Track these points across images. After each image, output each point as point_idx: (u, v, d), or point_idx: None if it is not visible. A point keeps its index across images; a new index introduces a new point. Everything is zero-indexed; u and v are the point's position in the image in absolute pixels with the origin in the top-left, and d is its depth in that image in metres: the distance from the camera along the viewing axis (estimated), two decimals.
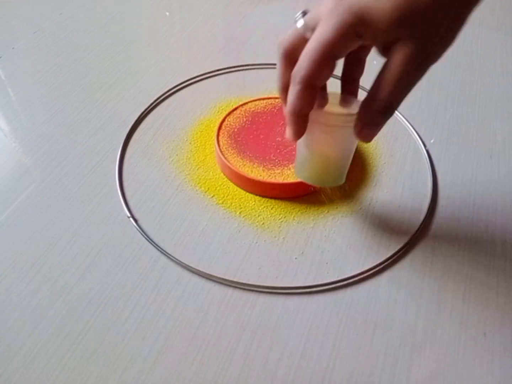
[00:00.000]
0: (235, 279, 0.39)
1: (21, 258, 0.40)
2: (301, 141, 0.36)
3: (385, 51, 0.31)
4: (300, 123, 0.34)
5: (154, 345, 0.35)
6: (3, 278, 0.39)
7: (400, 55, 0.30)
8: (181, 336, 0.36)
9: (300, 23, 0.32)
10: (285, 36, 0.33)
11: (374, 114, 0.32)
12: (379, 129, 0.34)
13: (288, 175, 0.45)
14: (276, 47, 0.34)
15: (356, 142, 0.38)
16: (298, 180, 0.44)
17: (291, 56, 0.33)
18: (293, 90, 0.32)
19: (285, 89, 0.34)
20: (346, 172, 0.40)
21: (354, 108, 0.34)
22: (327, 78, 0.33)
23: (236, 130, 0.49)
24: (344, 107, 0.37)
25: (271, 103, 0.52)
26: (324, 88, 0.36)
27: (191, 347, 0.35)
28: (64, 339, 0.36)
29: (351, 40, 0.30)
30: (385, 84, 0.31)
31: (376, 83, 0.31)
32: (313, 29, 0.31)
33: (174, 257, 0.41)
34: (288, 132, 0.35)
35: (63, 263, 0.40)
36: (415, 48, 0.29)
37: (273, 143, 0.47)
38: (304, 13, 0.33)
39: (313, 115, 0.34)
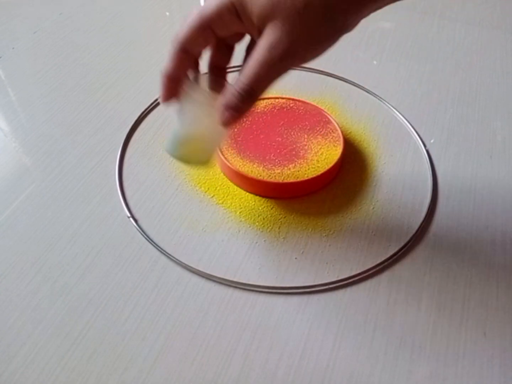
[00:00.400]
0: (235, 279, 0.39)
1: (21, 258, 0.40)
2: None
3: (258, 35, 0.31)
4: (168, 86, 0.34)
5: (154, 345, 0.35)
6: (3, 278, 0.39)
7: (265, 40, 0.30)
8: (181, 336, 0.36)
9: (202, 2, 0.34)
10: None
11: (235, 97, 0.32)
12: (240, 115, 0.33)
13: (288, 175, 0.45)
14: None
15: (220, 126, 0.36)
16: (298, 180, 0.44)
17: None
18: (170, 51, 0.33)
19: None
20: (210, 154, 0.39)
21: None
22: (201, 47, 0.34)
23: (236, 130, 0.49)
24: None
25: (271, 103, 0.52)
26: (221, 73, 0.37)
27: (191, 347, 0.35)
28: (64, 339, 0.36)
29: (228, 16, 0.31)
30: (248, 68, 0.31)
31: (243, 67, 0.32)
32: None
33: (174, 257, 0.41)
34: (159, 95, 0.35)
35: (63, 263, 0.40)
36: (281, 36, 0.29)
37: (273, 143, 0.47)
38: None
39: (185, 86, 0.34)
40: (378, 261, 0.41)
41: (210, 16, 0.31)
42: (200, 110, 0.36)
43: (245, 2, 0.30)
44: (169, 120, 0.53)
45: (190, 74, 0.35)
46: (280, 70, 0.31)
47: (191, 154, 0.38)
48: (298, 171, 0.45)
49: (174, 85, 0.34)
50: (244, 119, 0.50)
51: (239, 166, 0.45)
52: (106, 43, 0.64)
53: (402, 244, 0.42)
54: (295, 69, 0.60)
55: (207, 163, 0.39)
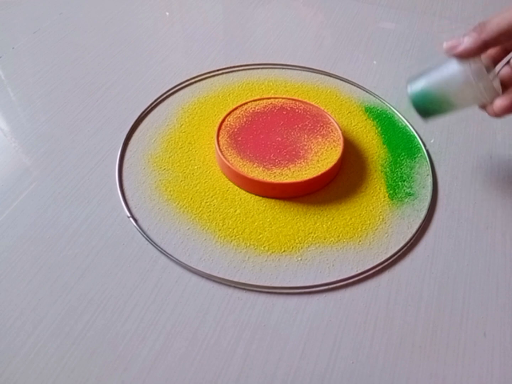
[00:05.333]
0: (235, 279, 0.39)
1: (21, 258, 0.40)
2: (442, 78, 0.40)
3: None
4: (475, 50, 0.37)
5: (154, 345, 0.35)
6: (3, 278, 0.39)
7: None
8: (181, 336, 0.36)
9: None
10: None
11: None
12: None
13: (288, 175, 0.45)
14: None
15: (465, 106, 0.41)
16: (298, 180, 0.44)
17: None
18: (473, 34, 0.37)
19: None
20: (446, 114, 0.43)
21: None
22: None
23: (236, 130, 0.49)
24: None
25: (271, 103, 0.52)
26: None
27: (191, 347, 0.35)
28: (64, 339, 0.36)
29: None
30: None
31: None
32: None
33: (174, 257, 0.41)
34: (452, 42, 0.38)
35: (63, 263, 0.40)
36: None
37: (273, 143, 0.47)
38: None
39: (475, 72, 0.38)
40: (378, 261, 0.41)
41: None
42: (475, 88, 0.38)
43: None
44: (169, 120, 0.53)
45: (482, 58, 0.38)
46: None
47: (432, 108, 0.42)
48: (298, 171, 0.45)
49: (466, 54, 0.38)
50: (244, 119, 0.50)
51: (239, 166, 0.45)
52: (106, 43, 0.64)
53: (402, 244, 0.42)
54: (294, 69, 0.60)
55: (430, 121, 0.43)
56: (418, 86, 0.41)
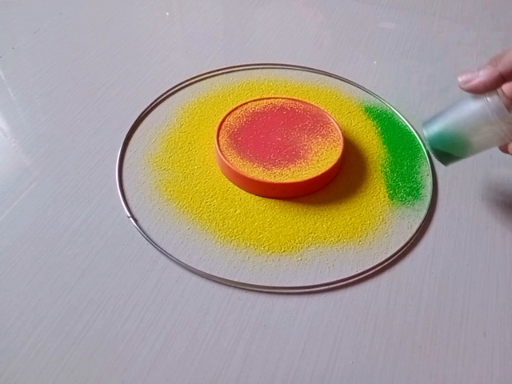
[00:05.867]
0: (235, 279, 0.39)
1: (21, 258, 0.40)
2: (459, 118, 0.38)
3: None
4: (478, 83, 0.36)
5: (154, 345, 0.35)
6: (3, 278, 0.39)
7: None
8: (181, 336, 0.36)
9: None
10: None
11: None
12: None
13: (288, 175, 0.45)
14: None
15: (487, 148, 0.40)
16: (298, 180, 0.44)
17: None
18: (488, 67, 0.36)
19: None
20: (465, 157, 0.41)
21: None
22: None
23: (236, 130, 0.49)
24: None
25: (271, 103, 0.52)
26: None
27: (191, 347, 0.35)
28: (64, 339, 0.36)
29: None
30: None
31: None
32: None
33: (174, 257, 0.41)
34: (479, 75, 0.36)
35: (63, 263, 0.40)
36: None
37: (273, 143, 0.47)
38: None
39: (494, 109, 0.36)
40: (378, 261, 0.41)
41: None
42: (493, 124, 0.37)
43: None
44: (169, 120, 0.53)
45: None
46: None
47: (450, 150, 0.40)
48: (298, 171, 0.45)
49: (482, 88, 0.36)
50: (244, 119, 0.50)
51: (239, 166, 0.45)
52: (106, 43, 0.64)
53: (402, 244, 0.42)
54: (294, 69, 0.60)
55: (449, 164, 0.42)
56: (435, 128, 0.39)
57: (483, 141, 0.38)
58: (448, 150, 0.40)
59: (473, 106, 0.37)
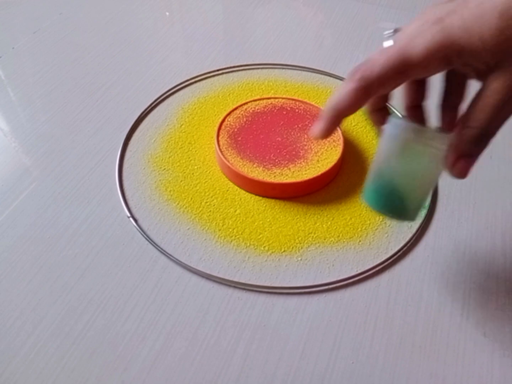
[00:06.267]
0: (235, 279, 0.39)
1: (21, 258, 0.40)
2: (379, 163, 0.32)
3: (479, 77, 0.28)
4: (336, 123, 0.30)
5: (154, 345, 0.35)
6: (3, 278, 0.39)
7: (498, 84, 0.27)
8: (181, 336, 0.36)
9: (389, 43, 0.29)
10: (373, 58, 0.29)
11: (469, 143, 0.29)
12: (474, 163, 0.30)
13: (288, 175, 0.45)
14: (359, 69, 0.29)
15: (437, 177, 0.33)
16: (298, 180, 0.44)
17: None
18: (347, 86, 0.28)
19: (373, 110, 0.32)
20: (421, 209, 0.35)
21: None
22: (388, 92, 0.30)
23: (236, 130, 0.49)
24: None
25: (271, 103, 0.52)
26: (417, 112, 0.34)
27: (191, 347, 0.35)
28: (64, 339, 0.36)
29: (436, 65, 0.27)
30: (481, 112, 0.28)
31: (470, 110, 0.29)
32: None
33: (174, 257, 0.41)
34: (317, 129, 0.30)
35: (63, 263, 0.40)
36: None
37: (273, 143, 0.47)
38: (396, 31, 0.30)
39: (403, 129, 0.30)
40: (378, 261, 0.41)
41: (416, 65, 0.27)
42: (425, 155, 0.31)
43: (461, 46, 0.26)
44: (169, 120, 0.53)
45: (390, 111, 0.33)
46: None
47: (401, 207, 0.33)
48: (298, 171, 0.45)
49: (339, 121, 0.30)
50: (244, 119, 0.50)
51: (239, 166, 0.45)
52: (106, 43, 0.64)
53: (402, 244, 0.42)
54: (294, 69, 0.60)
55: (415, 218, 0.34)
56: (368, 186, 0.33)
57: (418, 169, 0.32)
58: (395, 200, 0.33)
59: (385, 138, 0.31)
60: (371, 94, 0.29)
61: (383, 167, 0.32)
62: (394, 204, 0.33)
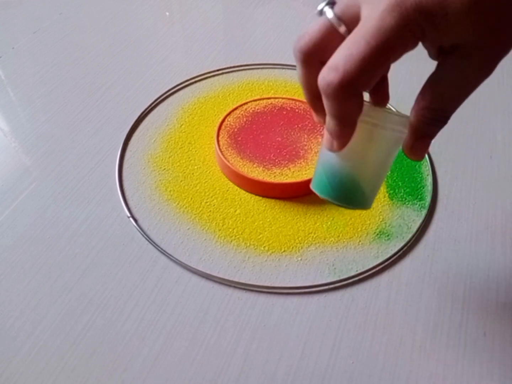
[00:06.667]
0: (235, 279, 0.39)
1: (21, 258, 0.40)
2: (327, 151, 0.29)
3: (440, 53, 0.26)
4: (349, 132, 0.27)
5: (154, 345, 0.35)
6: (3, 278, 0.39)
7: (468, 63, 0.25)
8: (181, 336, 0.36)
9: (330, 13, 0.26)
10: (307, 32, 0.27)
11: (429, 124, 0.27)
12: (430, 144, 0.28)
13: (288, 175, 0.45)
14: (294, 45, 0.28)
15: (392, 159, 0.31)
16: (298, 180, 0.44)
17: (315, 57, 0.27)
18: (339, 99, 0.25)
19: (314, 97, 0.29)
20: (375, 195, 0.32)
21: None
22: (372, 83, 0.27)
23: (236, 130, 0.49)
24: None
25: (271, 103, 0.52)
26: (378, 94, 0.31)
27: (191, 347, 0.35)
28: (64, 339, 0.36)
29: (413, 41, 0.25)
30: (442, 94, 0.26)
31: (428, 91, 0.27)
32: (349, 22, 0.26)
33: (174, 257, 0.41)
34: (331, 144, 0.28)
35: (63, 263, 0.40)
36: (483, 52, 0.25)
37: (273, 143, 0.47)
38: (331, 3, 0.27)
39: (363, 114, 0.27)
40: (378, 261, 0.41)
41: (392, 46, 0.24)
42: (377, 139, 0.29)
43: (433, 16, 0.24)
44: (169, 120, 0.53)
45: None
46: (476, 87, 0.26)
47: (353, 194, 0.31)
48: (298, 171, 0.45)
49: (352, 128, 0.27)
50: (244, 119, 0.50)
51: (239, 166, 0.45)
52: (106, 43, 0.64)
53: (402, 244, 0.42)
54: (294, 69, 0.60)
55: (370, 205, 0.32)
56: (319, 174, 0.31)
57: (372, 151, 0.29)
58: (347, 187, 0.30)
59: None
60: (361, 93, 0.26)
61: (335, 154, 0.29)
62: (348, 192, 0.30)
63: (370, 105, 0.29)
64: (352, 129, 0.27)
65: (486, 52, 0.25)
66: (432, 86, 0.27)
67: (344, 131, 0.27)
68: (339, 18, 0.26)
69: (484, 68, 0.26)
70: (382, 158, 0.30)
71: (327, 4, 0.27)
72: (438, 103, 0.27)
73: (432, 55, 0.27)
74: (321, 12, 0.27)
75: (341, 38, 0.26)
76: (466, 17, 0.23)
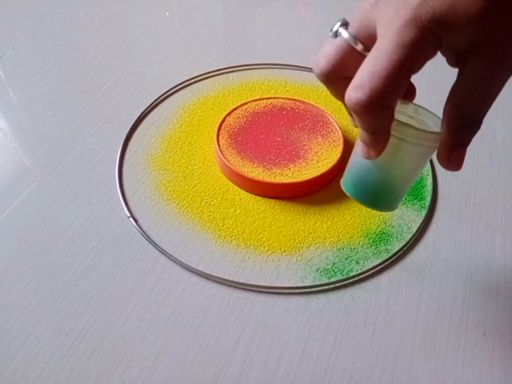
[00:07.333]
0: (235, 279, 0.39)
1: (21, 258, 0.40)
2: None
3: (459, 60, 0.27)
4: (384, 139, 0.28)
5: (154, 345, 0.35)
6: (3, 278, 0.39)
7: (485, 61, 0.25)
8: (181, 336, 0.36)
9: (345, 34, 0.27)
10: (323, 54, 0.28)
11: (462, 133, 0.28)
12: (465, 151, 0.29)
13: (288, 175, 0.45)
14: (313, 69, 0.28)
15: (425, 164, 0.33)
16: (298, 180, 0.44)
17: (337, 76, 0.28)
18: (370, 115, 0.26)
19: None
20: (403, 198, 0.34)
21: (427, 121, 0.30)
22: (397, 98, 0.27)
23: (236, 130, 0.49)
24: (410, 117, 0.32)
25: (271, 103, 0.52)
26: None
27: (191, 347, 0.35)
28: (64, 339, 0.36)
29: (432, 50, 0.25)
30: (471, 96, 0.27)
31: (455, 99, 0.27)
32: (364, 41, 0.27)
33: (174, 257, 0.41)
34: (367, 152, 0.28)
35: (63, 263, 0.40)
36: (499, 47, 0.25)
37: (273, 143, 0.47)
38: (344, 24, 0.28)
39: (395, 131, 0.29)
40: (378, 261, 0.41)
41: (412, 59, 0.25)
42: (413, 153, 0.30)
43: (447, 23, 0.24)
44: (169, 120, 0.53)
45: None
46: (500, 85, 0.26)
47: (383, 198, 0.32)
48: (298, 171, 0.45)
49: (387, 137, 0.28)
50: (244, 119, 0.50)
51: (239, 166, 0.45)
52: (106, 43, 0.64)
53: (402, 244, 0.42)
54: (294, 69, 0.60)
55: (396, 207, 0.33)
56: (351, 175, 0.32)
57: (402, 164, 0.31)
58: (377, 191, 0.32)
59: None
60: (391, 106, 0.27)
61: (369, 161, 0.30)
62: (377, 195, 0.32)
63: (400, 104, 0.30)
64: (387, 136, 0.28)
65: (503, 46, 0.25)
66: (456, 93, 0.27)
67: (378, 140, 0.28)
68: (355, 38, 0.27)
69: (503, 63, 0.26)
70: (413, 166, 0.32)
71: (341, 25, 0.28)
72: (466, 109, 0.27)
73: (452, 63, 0.28)
74: (336, 34, 0.28)
75: (359, 56, 0.27)
76: (477, 15, 0.24)
